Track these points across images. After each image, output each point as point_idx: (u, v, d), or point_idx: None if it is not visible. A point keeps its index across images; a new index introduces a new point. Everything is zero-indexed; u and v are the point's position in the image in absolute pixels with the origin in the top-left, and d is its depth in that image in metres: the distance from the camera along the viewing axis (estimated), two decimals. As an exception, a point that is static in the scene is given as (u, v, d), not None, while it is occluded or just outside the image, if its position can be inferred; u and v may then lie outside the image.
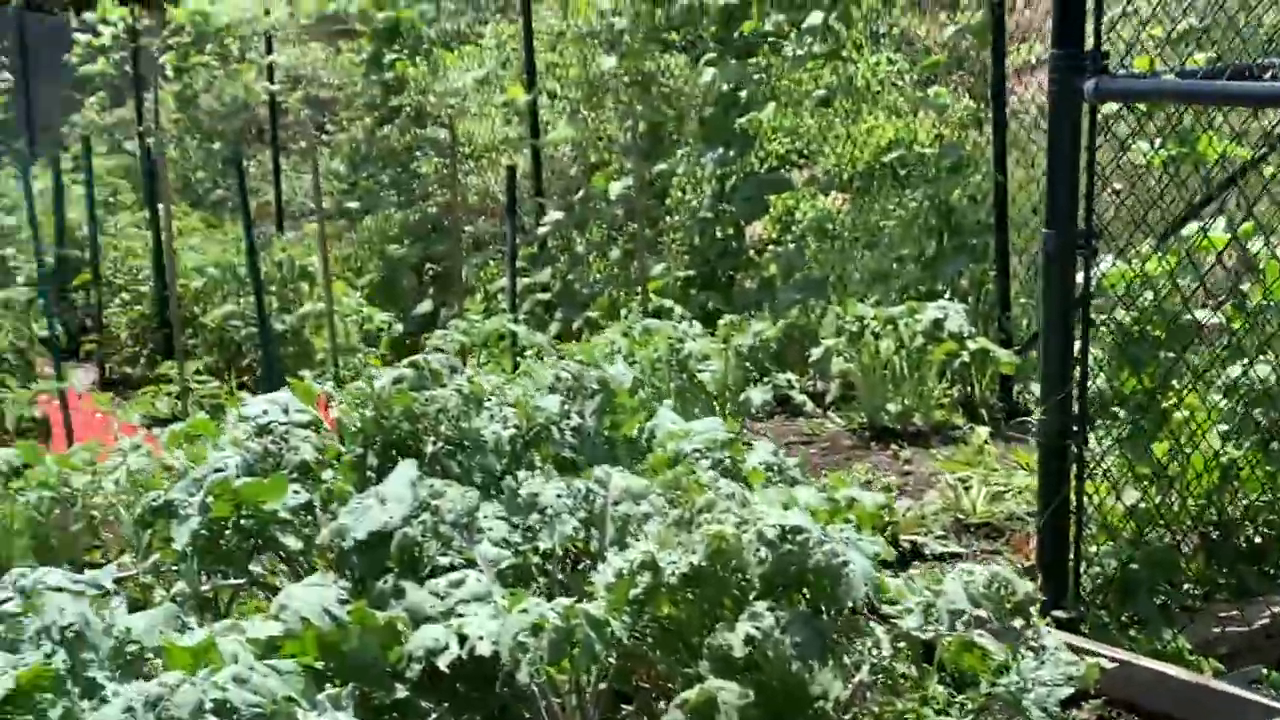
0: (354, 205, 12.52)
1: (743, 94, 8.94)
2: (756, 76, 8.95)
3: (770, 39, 9.11)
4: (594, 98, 10.77)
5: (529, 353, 8.93)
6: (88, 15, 17.50)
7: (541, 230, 10.47)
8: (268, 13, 15.16)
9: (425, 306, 11.22)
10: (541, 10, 11.16)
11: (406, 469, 3.49)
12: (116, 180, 15.27)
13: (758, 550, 3.10)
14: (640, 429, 4.15)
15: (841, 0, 8.42)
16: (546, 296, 10.28)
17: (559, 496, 3.45)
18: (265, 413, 3.97)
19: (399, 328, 9.71)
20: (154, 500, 3.79)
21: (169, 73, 15.68)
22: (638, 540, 3.36)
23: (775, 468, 4.10)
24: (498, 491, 3.64)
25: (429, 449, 3.78)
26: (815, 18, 8.45)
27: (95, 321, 11.50)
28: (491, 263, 11.14)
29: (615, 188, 9.77)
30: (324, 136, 15.92)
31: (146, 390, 7.95)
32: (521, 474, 3.64)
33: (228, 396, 8.11)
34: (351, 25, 15.40)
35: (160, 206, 10.32)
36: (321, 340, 9.57)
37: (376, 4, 11.87)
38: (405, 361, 4.08)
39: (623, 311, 9.56)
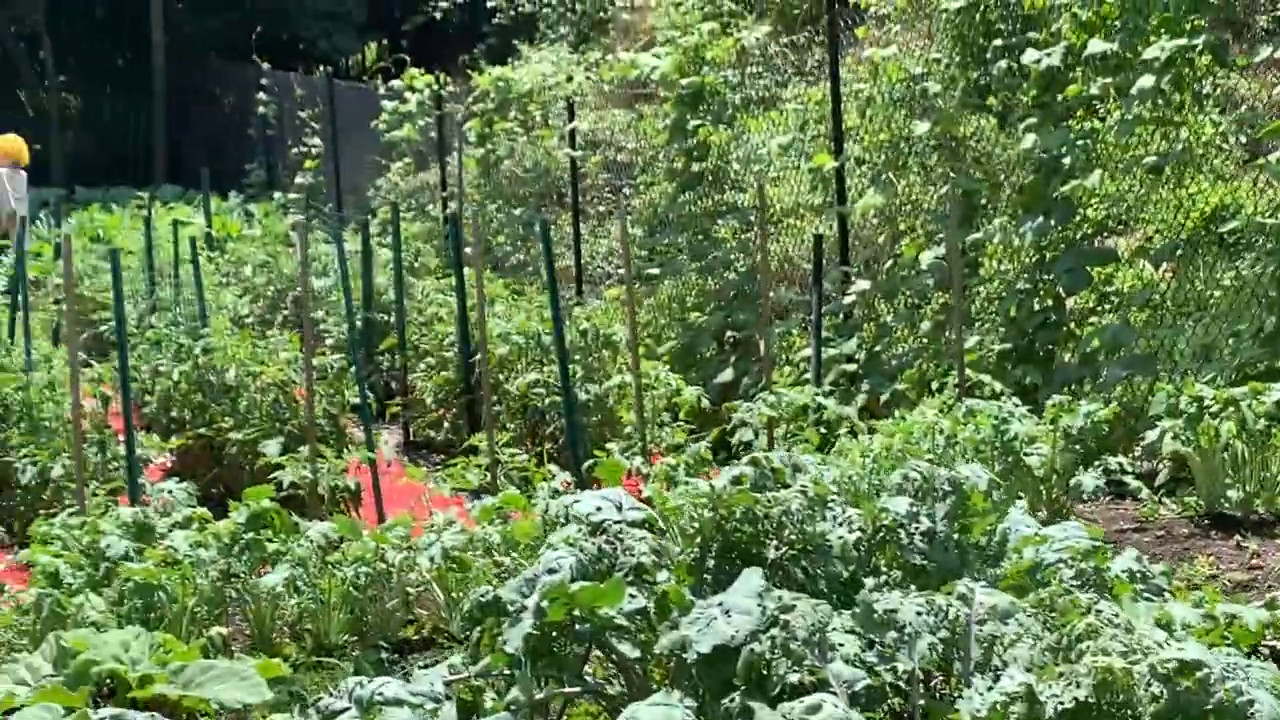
0: (654, 271, 12.45)
1: (1065, 160, 8.55)
2: (1080, 142, 8.54)
3: (1093, 103, 8.72)
4: (899, 162, 10.49)
5: (838, 427, 8.68)
6: (394, 83, 17.97)
7: (847, 299, 10.21)
8: (570, 79, 15.30)
9: (726, 375, 11.05)
10: (844, 73, 10.94)
11: (752, 578, 3.27)
12: (420, 244, 15.58)
13: (1149, 685, 2.79)
14: (990, 531, 3.85)
15: (1175, 63, 7.96)
16: (852, 367, 10.00)
17: (919, 613, 3.18)
18: (599, 510, 3.80)
19: (706, 402, 9.52)
20: (482, 596, 3.65)
21: (471, 138, 15.93)
22: (1005, 664, 3.06)
23: (1140, 575, 3.76)
24: (844, 601, 3.39)
25: (771, 554, 3.55)
26: (1146, 81, 8.02)
27: (400, 385, 11.66)
28: (794, 331, 10.91)
29: (926, 256, 9.45)
30: (622, 200, 15.98)
31: (456, 461, 7.95)
32: (869, 582, 3.38)
33: (536, 469, 8.04)
34: (649, 89, 15.44)
35: (468, 271, 10.40)
36: (624, 409, 9.47)
37: (680, 70, 11.79)
38: (745, 459, 3.87)
39: (933, 385, 9.23)
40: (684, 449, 9.04)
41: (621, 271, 14.38)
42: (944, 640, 3.17)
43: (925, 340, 9.66)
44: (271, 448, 8.60)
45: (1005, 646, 3.14)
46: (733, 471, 3.82)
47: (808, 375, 9.61)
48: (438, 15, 23.87)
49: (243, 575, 5.82)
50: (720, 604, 3.23)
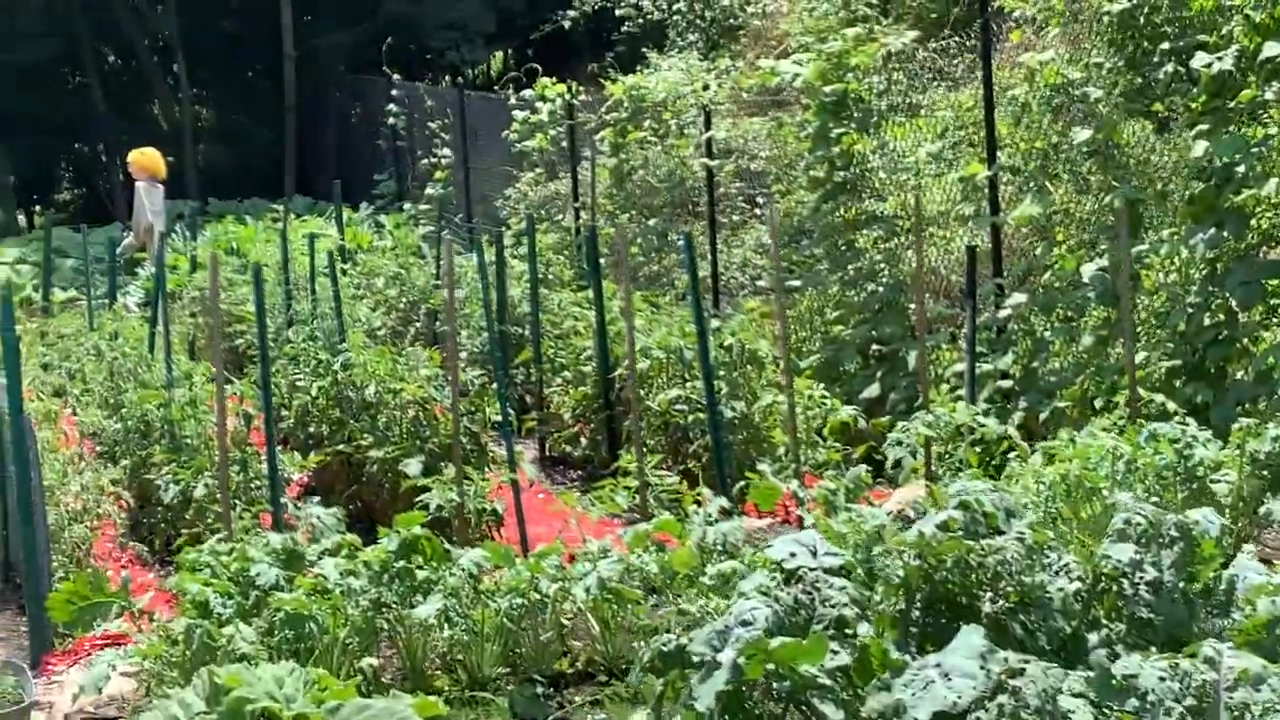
0: (795, 283, 12.14)
1: (1239, 169, 8.14)
2: (1254, 150, 8.13)
3: (1267, 108, 8.31)
4: (1050, 171, 10.11)
5: (996, 448, 8.34)
6: (526, 92, 17.82)
7: (1002, 314, 9.84)
8: (706, 87, 15.03)
9: (872, 390, 10.72)
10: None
11: (972, 636, 2.98)
12: (551, 255, 15.39)
13: None
14: (1215, 578, 3.53)
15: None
16: (1007, 384, 9.63)
17: (1161, 679, 2.87)
18: (793, 555, 3.52)
19: (862, 423, 9.19)
20: (665, 645, 3.40)
21: (604, 147, 15.72)
22: (1259, 737, 2.76)
23: (1380, 629, 3.41)
24: (1066, 659, 3.09)
25: (986, 607, 3.26)
26: (1326, 84, 7.62)
27: (535, 399, 11.47)
28: (943, 346, 10.55)
29: (1088, 269, 9.06)
30: (756, 210, 15.68)
31: (603, 482, 7.71)
32: (1092, 638, 3.09)
33: (686, 492, 7.79)
34: (783, 96, 15.13)
35: (607, 284, 10.17)
36: (772, 425, 9.20)
37: (823, 76, 11.47)
38: (953, 500, 3.58)
39: (1095, 402, 8.86)
40: (835, 468, 8.76)
41: (760, 282, 14.12)
42: (1189, 709, 2.87)
43: (1086, 356, 9.27)
44: (413, 467, 8.44)
45: (1258, 716, 2.83)
46: (940, 515, 3.53)
47: (960, 391, 9.28)
48: (566, 24, 23.70)
49: (394, 605, 5.63)
50: (937, 665, 2.94)
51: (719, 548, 6.03)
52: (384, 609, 5.63)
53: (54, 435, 8.89)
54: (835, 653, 3.15)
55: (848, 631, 3.25)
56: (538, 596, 5.76)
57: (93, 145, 32.01)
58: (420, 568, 5.78)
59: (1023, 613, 3.29)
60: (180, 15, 29.77)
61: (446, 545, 6.03)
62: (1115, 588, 3.38)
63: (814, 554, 3.53)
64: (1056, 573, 3.39)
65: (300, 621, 5.37)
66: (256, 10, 29.75)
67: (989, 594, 3.31)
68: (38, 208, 32.00)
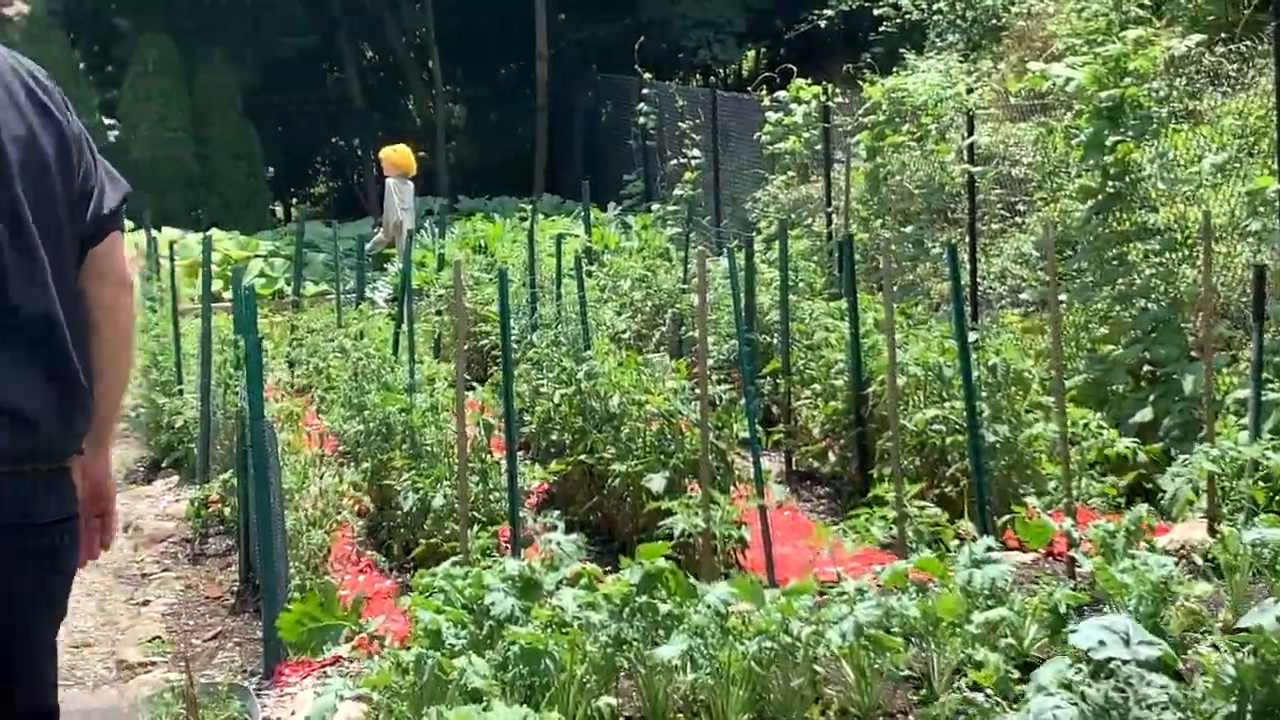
0: (1060, 297, 11.47)
1: None
2: None
3: None
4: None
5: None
6: (780, 93, 17.41)
7: (1292, 338, 9.12)
8: (970, 90, 14.42)
9: (1144, 414, 10.04)
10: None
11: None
12: (802, 261, 14.97)
13: None
14: None
15: None
16: (1296, 414, 8.90)
17: None
18: (1102, 644, 3.05)
19: (1142, 454, 8.57)
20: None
21: (860, 151, 15.21)
22: None
23: None
24: None
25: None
26: None
27: (782, 411, 11.07)
28: (1223, 370, 9.83)
29: (1392, 293, 8.31)
30: (1016, 218, 15.01)
31: (859, 512, 7.25)
32: None
33: (946, 525, 7.30)
34: (1046, 101, 14.43)
35: (880, 298, 9.70)
36: (1038, 449, 8.64)
37: (1098, 81, 10.80)
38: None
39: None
40: (1104, 499, 8.17)
41: (1022, 295, 13.47)
42: None
43: (1385, 387, 8.51)
44: (656, 483, 8.10)
45: None
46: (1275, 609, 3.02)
47: (1242, 420, 8.60)
48: (821, 24, 23.16)
49: (635, 642, 5.27)
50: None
51: (985, 592, 5.55)
52: (624, 646, 5.27)
53: (296, 436, 8.78)
54: (1153, 765, 2.68)
55: (1163, 735, 2.78)
56: (788, 639, 5.34)
57: (348, 139, 32.57)
58: (663, 601, 5.42)
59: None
60: (436, 12, 30.06)
61: (691, 579, 5.65)
62: None
63: (1126, 643, 3.05)
64: None
65: (536, 657, 5.04)
66: (511, 9, 29.88)
67: (1342, 703, 2.81)
68: (294, 200, 32.70)
